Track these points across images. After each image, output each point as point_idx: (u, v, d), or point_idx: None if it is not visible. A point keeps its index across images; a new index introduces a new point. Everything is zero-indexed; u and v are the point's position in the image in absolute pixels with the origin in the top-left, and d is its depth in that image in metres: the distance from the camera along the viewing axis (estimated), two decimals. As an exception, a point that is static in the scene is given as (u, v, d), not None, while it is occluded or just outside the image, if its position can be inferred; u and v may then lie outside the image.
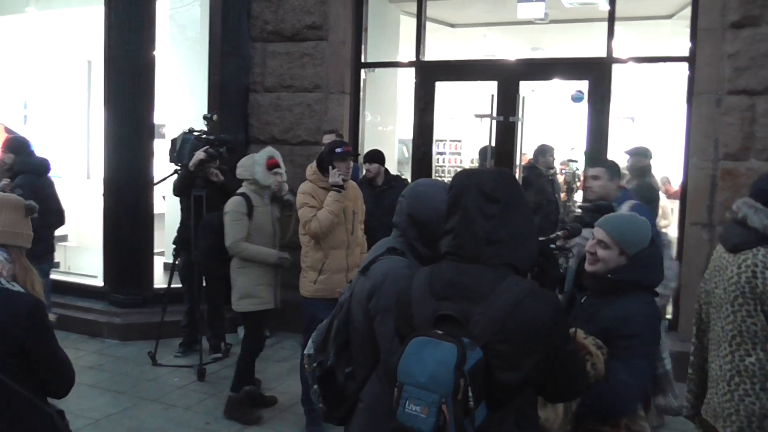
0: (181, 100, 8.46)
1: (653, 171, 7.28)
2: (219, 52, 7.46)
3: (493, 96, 7.04)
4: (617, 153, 7.27)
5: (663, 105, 10.30)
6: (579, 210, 4.07)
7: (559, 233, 2.50)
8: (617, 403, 2.52)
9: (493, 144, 7.09)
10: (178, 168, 6.20)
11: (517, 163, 7.24)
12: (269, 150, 5.40)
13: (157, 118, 7.50)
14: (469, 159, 12.62)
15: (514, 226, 1.99)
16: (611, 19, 6.55)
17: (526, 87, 7.36)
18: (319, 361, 2.49)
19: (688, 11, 6.36)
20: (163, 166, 6.89)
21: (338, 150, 4.88)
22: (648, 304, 2.69)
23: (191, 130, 6.20)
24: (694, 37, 6.15)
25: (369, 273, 2.42)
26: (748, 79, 5.79)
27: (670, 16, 8.59)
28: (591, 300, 2.72)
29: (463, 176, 2.10)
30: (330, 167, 4.85)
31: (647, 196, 6.98)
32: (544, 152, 7.61)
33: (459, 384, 1.74)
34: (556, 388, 2.04)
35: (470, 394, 1.75)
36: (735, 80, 5.84)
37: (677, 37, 7.28)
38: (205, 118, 6.41)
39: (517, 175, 7.22)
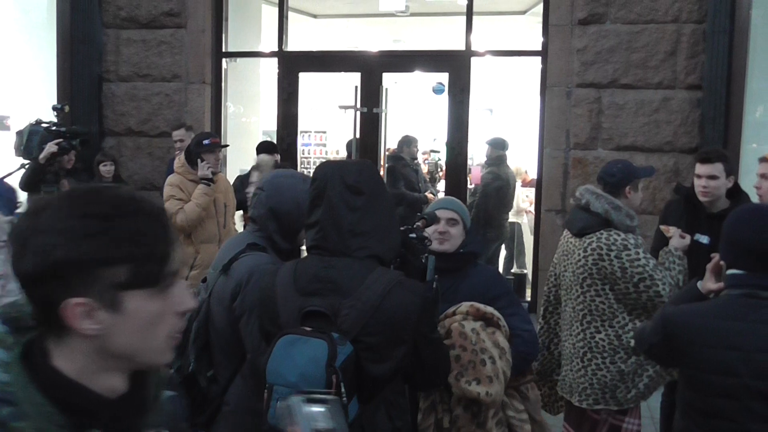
0: (27, 89, 7.90)
1: (508, 161, 7.63)
2: (68, 39, 7.04)
3: (356, 87, 7.06)
4: (477, 143, 7.51)
5: (519, 97, 10.68)
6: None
7: (418, 223, 2.53)
8: (532, 347, 2.80)
9: (358, 135, 7.14)
10: (26, 162, 5.82)
11: (382, 154, 7.33)
12: None
13: (1, 108, 7.00)
14: (335, 150, 12.64)
15: (378, 218, 2.00)
16: (469, 13, 6.73)
17: (388, 79, 7.44)
18: (177, 367, 2.37)
19: (540, 8, 6.63)
20: (7, 161, 6.43)
21: (206, 142, 4.76)
22: (489, 268, 3.11)
23: (39, 122, 5.82)
24: (545, 32, 6.42)
25: (231, 271, 2.33)
26: (595, 73, 6.14)
27: (524, 12, 8.95)
28: (442, 283, 2.69)
29: (326, 168, 2.06)
30: (198, 160, 4.72)
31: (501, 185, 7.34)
32: (408, 143, 7.75)
33: (331, 380, 1.73)
34: (423, 375, 2.06)
35: (343, 389, 1.74)
36: (583, 74, 6.17)
37: (531, 32, 7.59)
38: (54, 108, 6.04)
39: (381, 167, 7.31)
